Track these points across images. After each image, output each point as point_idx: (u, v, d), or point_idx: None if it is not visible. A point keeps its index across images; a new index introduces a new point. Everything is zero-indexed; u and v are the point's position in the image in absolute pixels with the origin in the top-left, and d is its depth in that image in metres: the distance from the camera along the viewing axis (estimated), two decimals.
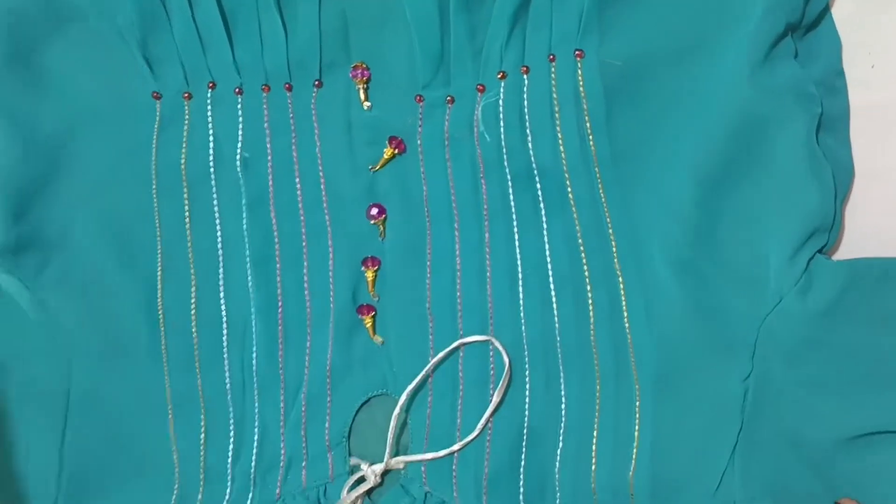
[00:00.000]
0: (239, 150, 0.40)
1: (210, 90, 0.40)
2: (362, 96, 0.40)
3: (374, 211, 0.40)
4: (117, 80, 0.40)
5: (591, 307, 0.39)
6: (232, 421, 0.41)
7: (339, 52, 0.40)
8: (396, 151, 0.40)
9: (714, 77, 0.36)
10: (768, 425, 0.37)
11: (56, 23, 0.39)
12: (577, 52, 0.37)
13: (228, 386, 0.41)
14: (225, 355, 0.41)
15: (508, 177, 0.39)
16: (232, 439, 0.40)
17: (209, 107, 0.40)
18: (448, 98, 0.39)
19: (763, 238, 0.36)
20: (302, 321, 0.41)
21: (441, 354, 0.39)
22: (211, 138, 0.40)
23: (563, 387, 0.39)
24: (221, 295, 0.40)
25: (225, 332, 0.40)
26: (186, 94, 0.40)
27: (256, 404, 0.41)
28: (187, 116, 0.40)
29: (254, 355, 0.40)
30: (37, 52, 0.39)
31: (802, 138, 0.35)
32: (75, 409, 0.40)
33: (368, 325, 0.41)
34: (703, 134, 0.36)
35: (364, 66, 0.40)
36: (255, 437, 0.40)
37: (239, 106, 0.40)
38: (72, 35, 0.39)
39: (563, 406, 0.39)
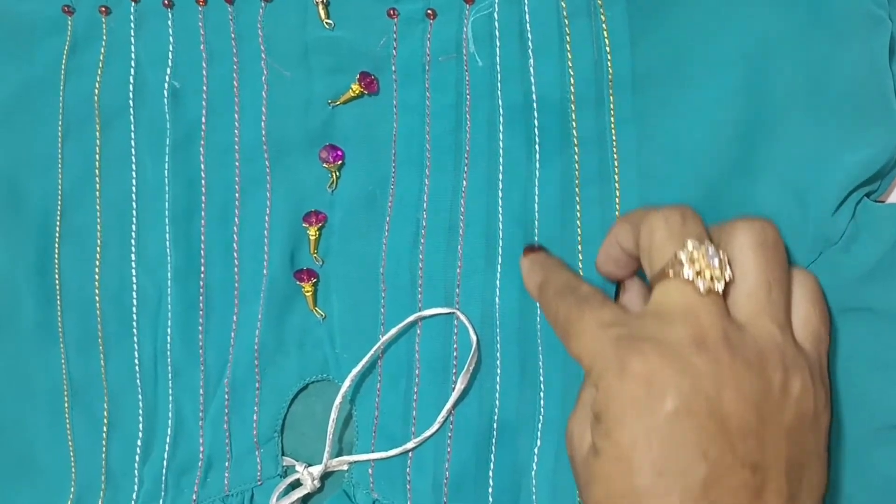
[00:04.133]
0: (167, 78, 0.37)
1: (133, 3, 0.37)
2: (322, 12, 0.37)
3: (329, 153, 0.37)
4: None
5: (580, 274, 0.36)
6: (141, 412, 0.38)
7: None
8: (366, 93, 0.37)
9: None
10: None
11: None
12: None
13: (137, 369, 0.38)
14: (134, 331, 0.38)
15: (500, 109, 0.36)
16: (140, 434, 0.38)
17: (132, 24, 0.37)
18: (428, 12, 0.36)
19: (810, 179, 0.34)
20: (229, 290, 0.38)
21: (393, 331, 0.36)
22: (133, 63, 0.37)
23: (542, 373, 0.36)
24: (133, 257, 0.38)
25: (135, 302, 0.38)
26: (103, 9, 0.37)
27: (170, 392, 0.38)
28: (105, 36, 0.38)
29: (168, 331, 0.38)
30: None
31: (870, 61, 0.33)
32: None
33: (308, 295, 0.38)
34: (750, 52, 0.34)
35: None
36: (169, 432, 0.38)
37: (169, 22, 0.37)
38: None
39: (541, 395, 0.36)
